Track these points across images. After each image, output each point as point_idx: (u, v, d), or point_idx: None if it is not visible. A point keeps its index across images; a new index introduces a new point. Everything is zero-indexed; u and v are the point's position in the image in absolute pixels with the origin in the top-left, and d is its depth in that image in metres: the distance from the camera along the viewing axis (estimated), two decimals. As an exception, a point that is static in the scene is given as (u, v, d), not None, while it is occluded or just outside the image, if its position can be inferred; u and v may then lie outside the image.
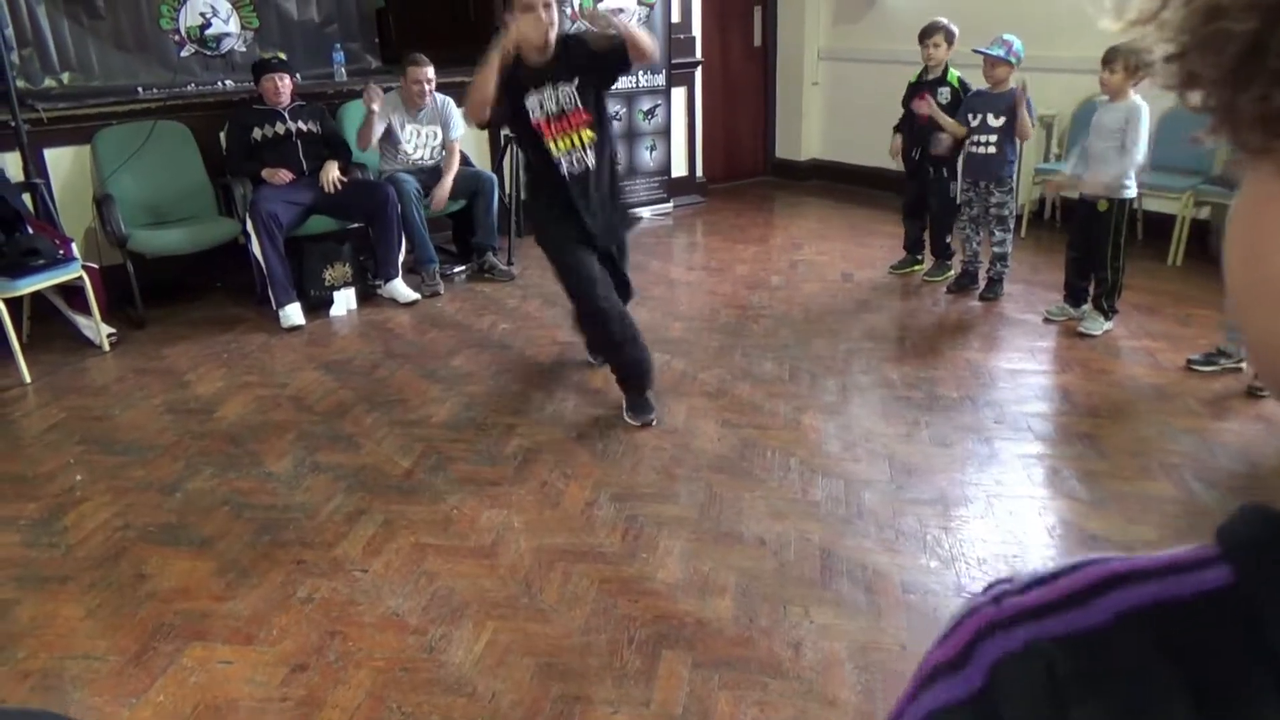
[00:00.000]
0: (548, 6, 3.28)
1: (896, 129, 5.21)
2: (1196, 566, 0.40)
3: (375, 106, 4.89)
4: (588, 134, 3.45)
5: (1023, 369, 4.05)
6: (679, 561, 2.72)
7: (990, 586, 0.45)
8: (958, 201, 4.96)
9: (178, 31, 5.51)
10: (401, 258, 5.10)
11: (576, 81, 3.41)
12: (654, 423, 3.57)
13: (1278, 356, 0.40)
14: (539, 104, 3.40)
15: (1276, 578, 0.37)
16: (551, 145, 3.43)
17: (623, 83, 6.48)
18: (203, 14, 5.57)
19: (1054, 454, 3.32)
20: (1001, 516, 2.90)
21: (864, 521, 2.90)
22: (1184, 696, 0.37)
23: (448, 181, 5.20)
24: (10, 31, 4.93)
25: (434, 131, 5.31)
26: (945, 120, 4.80)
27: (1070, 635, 0.40)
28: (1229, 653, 0.37)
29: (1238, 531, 0.40)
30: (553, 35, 3.34)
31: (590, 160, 3.47)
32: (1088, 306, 4.40)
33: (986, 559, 2.69)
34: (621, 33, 3.33)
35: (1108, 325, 4.33)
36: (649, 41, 3.36)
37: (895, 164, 5.38)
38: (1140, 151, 4.04)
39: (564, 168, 3.45)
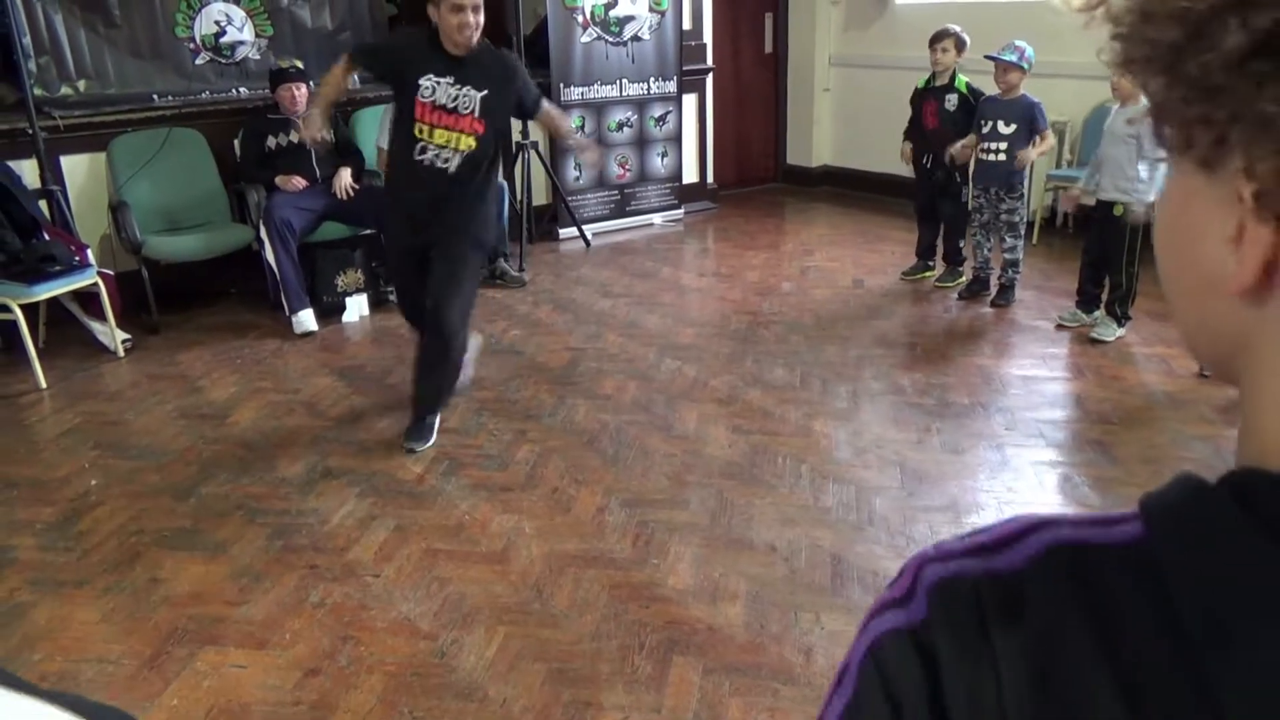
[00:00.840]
0: (476, 9, 3.29)
1: (906, 135, 5.21)
2: (1117, 522, 0.44)
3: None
4: (466, 141, 3.41)
5: (1035, 375, 4.04)
6: (690, 567, 2.72)
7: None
8: (969, 207, 4.96)
9: (193, 39, 5.55)
10: (413, 264, 5.11)
11: (485, 93, 3.40)
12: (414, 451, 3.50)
13: (1204, 337, 0.45)
14: (432, 88, 3.37)
15: (1179, 534, 0.41)
16: (421, 128, 3.39)
17: (634, 90, 6.56)
18: (217, 22, 5.61)
19: (1066, 461, 3.31)
20: (1013, 523, 2.89)
21: (875, 528, 2.90)
22: (1089, 629, 0.41)
23: None
24: (28, 40, 4.97)
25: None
26: (965, 152, 4.81)
27: (996, 570, 0.44)
28: (1131, 596, 0.41)
29: (1161, 495, 0.43)
30: (473, 41, 3.34)
31: (453, 164, 3.42)
32: (1100, 313, 4.39)
33: (998, 566, 2.68)
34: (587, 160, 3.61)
35: (1120, 331, 4.31)
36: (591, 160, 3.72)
37: (907, 169, 5.38)
38: (1149, 160, 4.03)
39: (426, 155, 3.41)
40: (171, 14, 5.46)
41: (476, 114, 3.39)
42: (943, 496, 3.07)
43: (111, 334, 4.48)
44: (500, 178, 5.64)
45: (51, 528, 3.03)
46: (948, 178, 5.01)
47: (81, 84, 5.26)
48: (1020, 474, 3.20)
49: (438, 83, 3.36)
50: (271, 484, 3.29)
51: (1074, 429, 3.56)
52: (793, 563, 2.73)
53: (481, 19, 3.33)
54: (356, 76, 5.96)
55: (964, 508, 3.00)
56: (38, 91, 4.91)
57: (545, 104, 3.70)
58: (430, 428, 3.57)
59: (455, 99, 3.38)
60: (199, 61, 5.58)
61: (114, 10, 5.30)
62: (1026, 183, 4.85)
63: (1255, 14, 0.35)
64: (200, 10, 5.54)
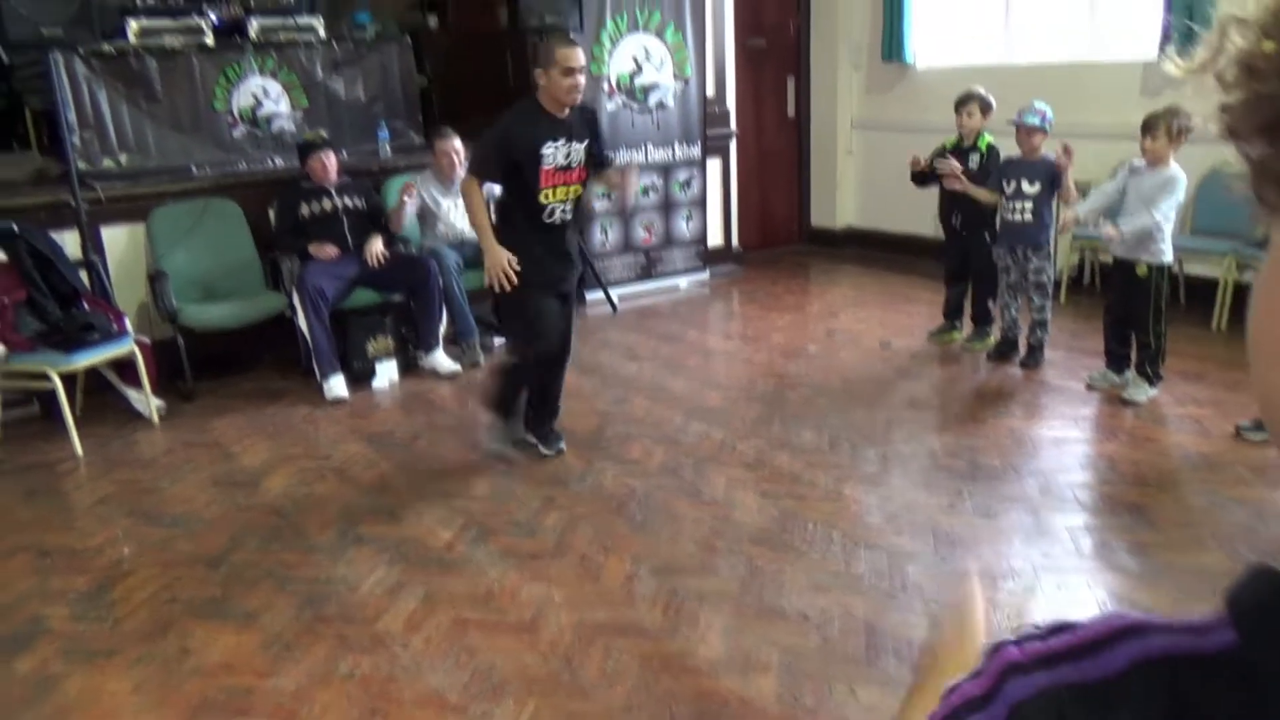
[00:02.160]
0: (583, 70, 3.63)
1: (918, 175, 5.21)
2: (1208, 629, 0.42)
3: (409, 199, 5.08)
4: (576, 189, 3.76)
5: (1066, 437, 4.00)
6: (720, 637, 2.69)
7: (1019, 631, 0.48)
8: (998, 267, 4.96)
9: (230, 112, 5.72)
10: (442, 330, 5.19)
11: (586, 143, 3.73)
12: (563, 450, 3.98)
13: None
14: (553, 154, 3.64)
15: (1277, 643, 0.39)
16: (546, 194, 3.66)
17: (659, 155, 6.66)
18: (254, 95, 5.78)
19: (1101, 525, 3.26)
20: (1050, 590, 2.85)
21: (909, 595, 2.86)
22: None
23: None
24: (73, 115, 5.15)
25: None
26: (976, 191, 4.82)
27: (1083, 683, 0.42)
28: (1230, 712, 0.38)
29: (1244, 595, 0.41)
30: (579, 98, 3.69)
31: (569, 214, 3.78)
32: (1131, 373, 4.35)
33: (1035, 635, 2.63)
34: (625, 186, 3.95)
35: (1152, 392, 4.27)
36: (630, 189, 4.00)
37: (931, 218, 5.38)
38: (1161, 214, 4.03)
39: (553, 215, 3.71)
40: (211, 88, 5.65)
41: (583, 164, 3.74)
42: (977, 563, 3.02)
43: (147, 401, 4.56)
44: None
45: (84, 597, 3.05)
46: (977, 236, 5.02)
47: (123, 157, 5.43)
48: (1055, 539, 3.15)
49: (555, 147, 3.63)
50: (302, 551, 3.30)
51: (1108, 492, 3.51)
52: (825, 632, 2.69)
53: (583, 81, 3.65)
54: (389, 147, 6.13)
55: (999, 574, 2.95)
56: (81, 165, 5.06)
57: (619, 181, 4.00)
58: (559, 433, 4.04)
59: (569, 156, 3.69)
60: (236, 134, 5.74)
61: (156, 85, 5.49)
62: (1053, 242, 4.85)
63: None
64: (238, 85, 5.72)
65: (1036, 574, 2.94)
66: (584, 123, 3.76)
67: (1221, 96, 0.42)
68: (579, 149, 3.70)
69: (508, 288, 3.64)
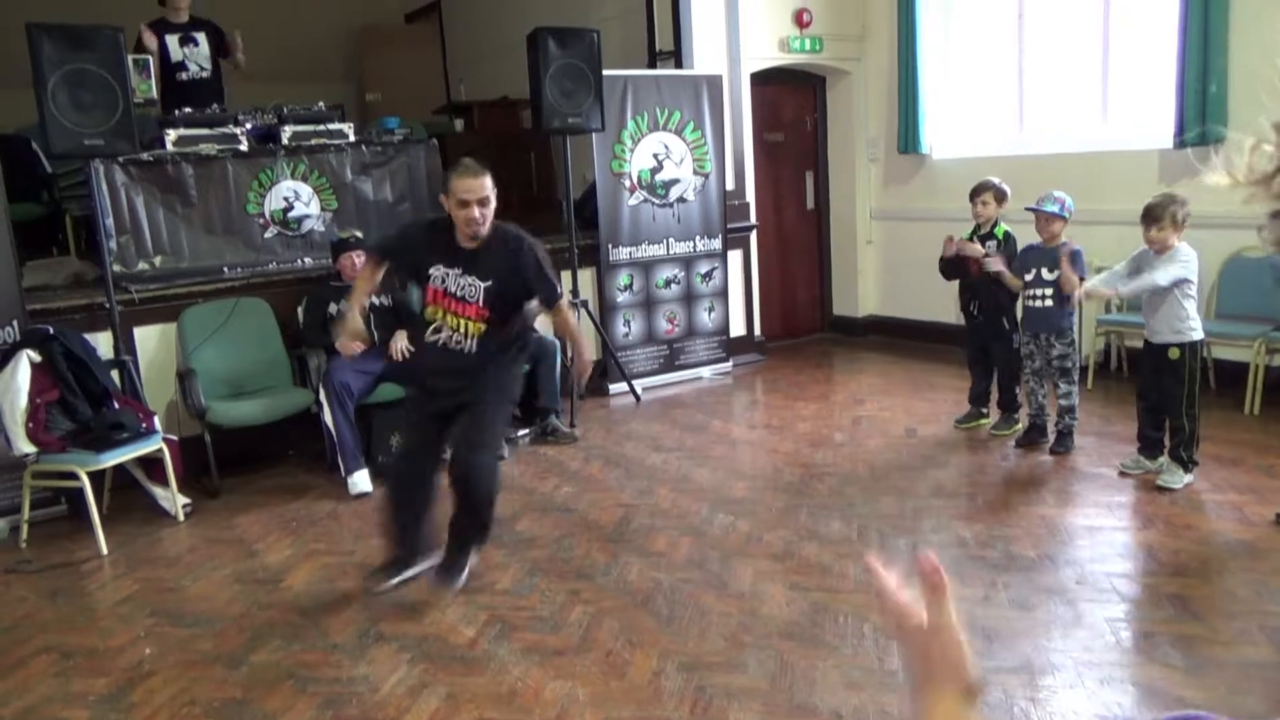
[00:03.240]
0: (483, 203, 3.43)
1: (945, 268, 5.24)
2: None
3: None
4: (476, 326, 3.51)
5: (1101, 525, 3.90)
6: (751, 737, 2.60)
7: None
8: (1021, 354, 4.94)
9: (263, 215, 5.88)
10: (467, 423, 5.18)
11: (490, 283, 3.48)
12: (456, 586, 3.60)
13: None
14: (442, 277, 3.53)
15: None
16: (432, 310, 3.57)
17: (680, 248, 6.76)
18: (286, 198, 5.95)
19: (1143, 616, 3.16)
20: (1092, 686, 2.74)
21: (945, 692, 2.76)
22: None
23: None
24: (110, 221, 5.31)
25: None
26: (1009, 278, 4.84)
27: None
28: None
29: None
30: (482, 231, 3.47)
31: (469, 346, 3.52)
32: (1165, 459, 4.27)
33: (1080, 734, 2.53)
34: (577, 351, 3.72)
35: (1188, 478, 4.18)
36: (583, 352, 3.73)
37: (954, 305, 5.38)
38: (1156, 281, 4.03)
39: (439, 334, 3.55)
40: (244, 193, 5.82)
41: (484, 303, 3.49)
42: (1015, 657, 2.92)
43: (173, 499, 4.57)
44: (552, 336, 5.78)
45: (104, 700, 3.01)
46: (998, 323, 5.02)
47: (158, 259, 5.57)
48: (1096, 632, 3.05)
49: (447, 273, 3.53)
50: (323, 650, 3.25)
51: (1148, 582, 3.41)
52: (859, 731, 2.60)
53: (490, 211, 3.47)
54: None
55: (1039, 669, 2.85)
56: (117, 268, 5.20)
57: (564, 304, 3.66)
58: (463, 568, 3.64)
59: (463, 288, 3.51)
60: (268, 235, 5.89)
61: (191, 190, 5.66)
62: (1076, 327, 4.83)
63: None
64: (271, 188, 5.89)
65: (1078, 669, 2.83)
66: (505, 262, 3.49)
67: (1274, 204, 0.42)
68: (477, 285, 3.47)
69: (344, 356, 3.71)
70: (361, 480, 4.82)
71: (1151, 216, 4.06)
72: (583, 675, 2.98)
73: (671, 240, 6.71)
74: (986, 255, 4.90)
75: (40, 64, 4.43)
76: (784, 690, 2.83)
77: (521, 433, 5.62)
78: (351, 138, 6.18)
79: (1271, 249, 0.42)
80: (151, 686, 3.07)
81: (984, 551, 3.70)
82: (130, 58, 5.07)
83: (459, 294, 3.51)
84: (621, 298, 6.57)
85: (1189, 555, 3.57)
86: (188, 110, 5.86)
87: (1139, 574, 3.49)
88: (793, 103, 7.87)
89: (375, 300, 5.24)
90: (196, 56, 6.48)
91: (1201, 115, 5.36)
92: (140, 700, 2.99)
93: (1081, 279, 4.52)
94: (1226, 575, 3.41)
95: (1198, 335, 4.14)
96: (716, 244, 6.91)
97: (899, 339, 7.61)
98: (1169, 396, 4.18)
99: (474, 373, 3.54)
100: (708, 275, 6.91)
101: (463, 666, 3.08)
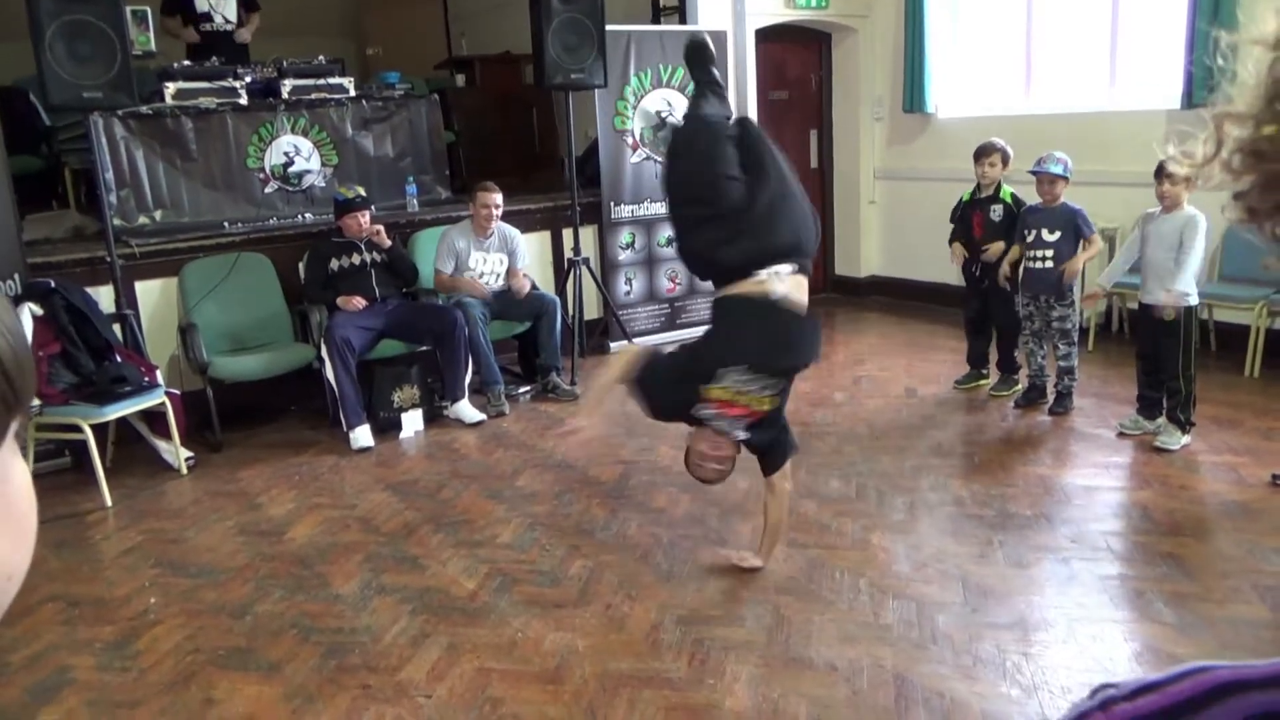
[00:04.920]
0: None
1: (952, 240, 5.24)
2: None
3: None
4: None
5: (1098, 485, 3.93)
6: (747, 688, 2.65)
7: (1096, 691, 0.44)
8: (1021, 315, 4.94)
9: (263, 170, 5.85)
10: (468, 379, 5.21)
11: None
12: None
13: None
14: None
15: None
16: None
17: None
18: (286, 153, 5.91)
19: (1136, 575, 3.19)
20: (1085, 641, 2.78)
21: (939, 647, 2.80)
22: None
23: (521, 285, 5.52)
24: (110, 175, 5.29)
25: (500, 259, 5.50)
26: (1010, 257, 4.85)
27: None
28: None
29: None
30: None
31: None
32: (1163, 420, 4.29)
33: (1071, 687, 2.57)
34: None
35: (1185, 439, 4.20)
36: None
37: (955, 268, 5.39)
38: (1196, 261, 4.02)
39: None
40: (244, 147, 5.78)
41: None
42: (1009, 613, 2.96)
43: (176, 452, 4.60)
44: (553, 293, 5.79)
45: (110, 647, 3.06)
46: (999, 285, 5.01)
47: (158, 214, 5.56)
48: (1089, 589, 3.09)
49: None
50: (326, 601, 3.29)
51: (1143, 541, 3.44)
52: (854, 684, 2.64)
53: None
54: (417, 201, 6.23)
55: (1032, 625, 2.89)
56: (117, 222, 5.18)
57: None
58: None
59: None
60: (268, 190, 5.86)
61: (191, 145, 5.63)
62: (1077, 289, 4.83)
63: None
64: (271, 143, 5.86)
65: (1070, 625, 2.87)
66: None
67: (1232, 185, 0.43)
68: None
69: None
70: (363, 435, 4.84)
71: (1166, 172, 4.04)
72: (582, 627, 3.02)
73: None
74: (1007, 278, 4.91)
75: (37, 15, 4.38)
76: (780, 643, 2.87)
77: (523, 390, 5.64)
78: (352, 93, 6.12)
79: (1238, 225, 0.43)
80: (156, 635, 3.11)
81: (981, 510, 3.73)
82: (129, 9, 5.02)
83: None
84: (623, 256, 6.55)
85: (1184, 515, 3.60)
86: (186, 63, 5.82)
87: (1134, 533, 3.52)
88: (798, 60, 7.78)
89: (376, 257, 5.23)
90: (223, 7, 6.42)
91: (1211, 76, 5.30)
92: (145, 648, 3.04)
93: (1090, 237, 4.55)
94: (1220, 535, 3.44)
95: (1193, 301, 4.14)
96: (719, 203, 6.85)
97: (901, 300, 7.60)
98: (1166, 358, 4.19)
99: None
100: (710, 234, 6.86)
101: (464, 618, 3.12)
